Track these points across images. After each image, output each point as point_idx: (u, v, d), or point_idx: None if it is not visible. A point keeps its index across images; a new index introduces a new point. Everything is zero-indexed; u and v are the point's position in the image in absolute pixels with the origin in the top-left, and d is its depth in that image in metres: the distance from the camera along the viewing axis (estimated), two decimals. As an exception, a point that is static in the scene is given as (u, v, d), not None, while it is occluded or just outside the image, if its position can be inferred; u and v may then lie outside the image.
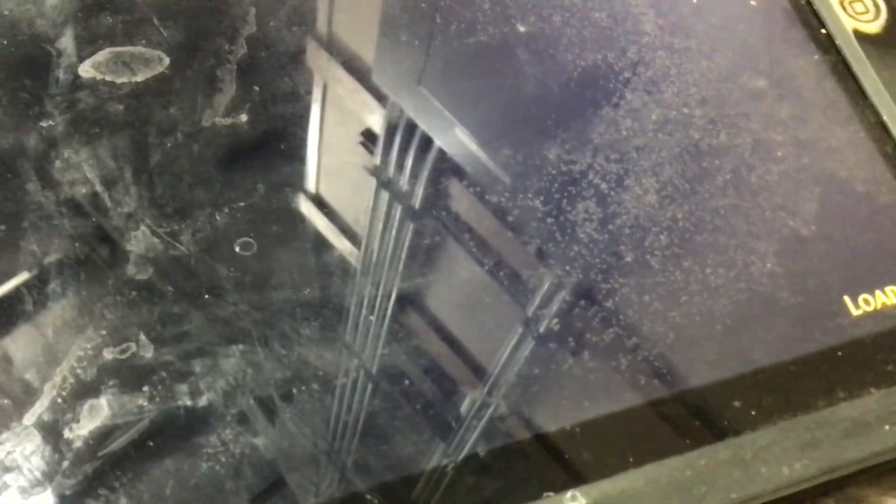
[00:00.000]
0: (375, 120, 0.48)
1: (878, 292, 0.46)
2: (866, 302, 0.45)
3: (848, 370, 0.44)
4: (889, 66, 0.51)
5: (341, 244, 0.44)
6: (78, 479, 0.38)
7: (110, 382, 0.40)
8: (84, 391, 0.39)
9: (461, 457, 0.40)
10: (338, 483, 0.40)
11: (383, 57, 0.50)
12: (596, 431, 0.41)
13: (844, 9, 0.52)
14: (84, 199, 0.43)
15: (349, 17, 0.51)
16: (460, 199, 0.46)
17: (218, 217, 0.43)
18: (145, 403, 0.39)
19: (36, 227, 0.42)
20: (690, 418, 0.42)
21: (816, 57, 0.51)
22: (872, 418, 0.43)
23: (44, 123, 0.44)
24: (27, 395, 0.39)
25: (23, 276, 0.41)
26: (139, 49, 0.47)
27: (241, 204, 0.44)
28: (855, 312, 0.45)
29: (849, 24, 0.52)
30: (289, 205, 0.45)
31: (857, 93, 0.51)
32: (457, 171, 0.46)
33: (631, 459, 0.41)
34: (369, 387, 0.41)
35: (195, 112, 0.46)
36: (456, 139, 0.47)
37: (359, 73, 0.49)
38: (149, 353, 0.40)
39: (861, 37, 0.52)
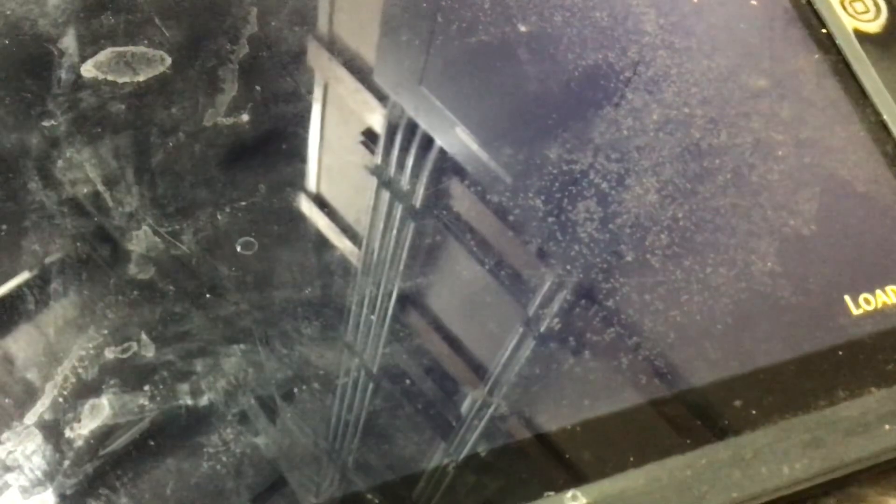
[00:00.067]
0: (376, 119, 0.48)
1: (878, 292, 0.46)
2: (867, 301, 0.45)
3: (848, 369, 0.44)
4: (889, 65, 0.51)
5: (342, 244, 0.45)
6: (79, 479, 0.38)
7: (111, 382, 0.40)
8: (85, 390, 0.39)
9: (462, 456, 0.40)
10: (339, 482, 0.40)
11: (384, 57, 0.50)
12: (596, 431, 0.41)
13: (845, 8, 0.52)
14: (86, 199, 0.43)
15: (350, 17, 0.51)
16: (461, 199, 0.46)
17: (219, 216, 0.43)
18: (146, 403, 0.40)
19: (38, 226, 0.42)
20: (691, 418, 0.42)
21: (817, 56, 0.51)
22: (873, 418, 0.43)
23: (46, 123, 0.44)
24: (28, 395, 0.39)
25: (24, 276, 0.41)
26: (141, 49, 0.47)
27: (243, 203, 0.44)
28: (855, 312, 0.45)
29: (849, 24, 0.52)
30: (290, 204, 0.45)
31: (857, 92, 0.51)
32: (458, 170, 0.46)
33: (631, 459, 0.41)
34: (370, 386, 0.42)
35: (197, 112, 0.46)
36: (457, 139, 0.47)
37: (360, 72, 0.49)
38: (150, 352, 0.40)
39: (861, 36, 0.52)
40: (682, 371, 0.43)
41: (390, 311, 0.43)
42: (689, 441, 0.41)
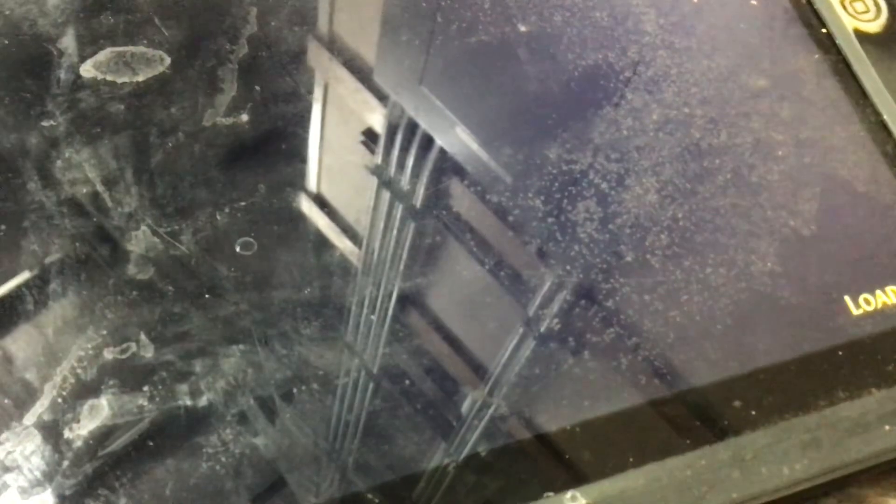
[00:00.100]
0: (377, 119, 0.48)
1: (878, 292, 0.45)
2: (867, 301, 0.45)
3: (848, 370, 0.44)
4: (890, 65, 0.51)
5: (342, 244, 0.44)
6: (78, 479, 0.38)
7: (110, 382, 0.40)
8: (84, 391, 0.39)
9: (462, 457, 0.40)
10: (338, 483, 0.40)
11: (384, 56, 0.50)
12: (596, 431, 0.41)
13: (845, 8, 0.52)
14: (85, 199, 0.43)
15: (350, 17, 0.51)
16: (461, 199, 0.46)
17: (219, 217, 0.43)
18: (145, 403, 0.40)
19: (37, 226, 0.42)
20: (691, 418, 0.42)
21: (817, 56, 0.51)
22: (873, 418, 0.43)
23: (45, 123, 0.44)
24: (27, 395, 0.39)
25: (24, 276, 0.41)
26: (140, 49, 0.47)
27: (242, 204, 0.44)
28: (855, 312, 0.45)
29: (849, 24, 0.52)
30: (290, 204, 0.45)
31: (857, 92, 0.51)
32: (458, 170, 0.46)
33: (631, 459, 0.41)
34: (370, 386, 0.41)
35: (196, 112, 0.46)
36: (457, 139, 0.47)
37: (360, 72, 0.49)
38: (149, 352, 0.40)
39: (862, 36, 0.52)
40: (682, 371, 0.43)
41: (390, 312, 0.43)
42: (688, 441, 0.41)
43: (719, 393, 0.43)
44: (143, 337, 0.41)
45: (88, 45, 0.46)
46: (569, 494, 0.40)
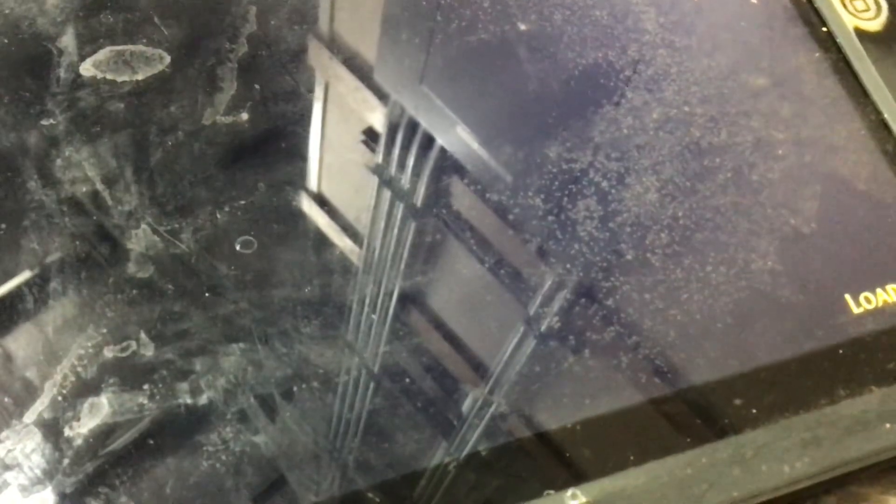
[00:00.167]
0: (377, 118, 0.48)
1: (879, 290, 0.45)
2: (867, 300, 0.45)
3: (849, 368, 0.44)
4: (890, 63, 0.51)
5: (343, 242, 0.44)
6: (78, 478, 0.38)
7: (111, 380, 0.40)
8: (85, 389, 0.39)
9: (462, 455, 0.40)
10: (339, 481, 0.40)
11: (385, 55, 0.50)
12: (597, 429, 0.41)
13: (845, 6, 0.52)
14: (85, 198, 0.43)
15: (351, 16, 0.51)
16: (462, 198, 0.46)
17: (219, 215, 0.43)
18: (146, 401, 0.40)
19: (37, 225, 0.42)
20: (691, 416, 0.42)
21: (817, 55, 0.51)
22: (873, 416, 0.43)
23: (45, 122, 0.44)
24: (28, 393, 0.39)
25: (24, 275, 0.41)
26: (140, 47, 0.47)
27: (242, 202, 0.44)
28: (856, 310, 0.45)
29: (850, 22, 0.52)
30: (290, 203, 0.45)
31: (857, 91, 0.51)
32: (458, 169, 0.46)
33: (632, 457, 0.41)
34: (371, 385, 0.41)
35: (196, 110, 0.46)
36: (457, 137, 0.47)
37: (360, 71, 0.49)
38: (149, 351, 0.40)
39: (862, 35, 0.52)
40: (683, 370, 0.43)
41: (391, 310, 0.43)
42: (689, 439, 0.41)
43: (720, 391, 0.42)
44: (143, 335, 0.41)
45: (88, 44, 0.46)
46: (569, 492, 0.40)
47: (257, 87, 0.47)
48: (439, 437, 0.41)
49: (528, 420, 0.41)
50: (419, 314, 0.44)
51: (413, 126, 0.47)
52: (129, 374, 0.40)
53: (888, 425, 0.42)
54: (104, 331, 0.40)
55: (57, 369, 0.39)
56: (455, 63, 0.49)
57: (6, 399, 0.39)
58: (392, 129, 0.47)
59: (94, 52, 0.46)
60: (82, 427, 0.39)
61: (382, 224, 0.45)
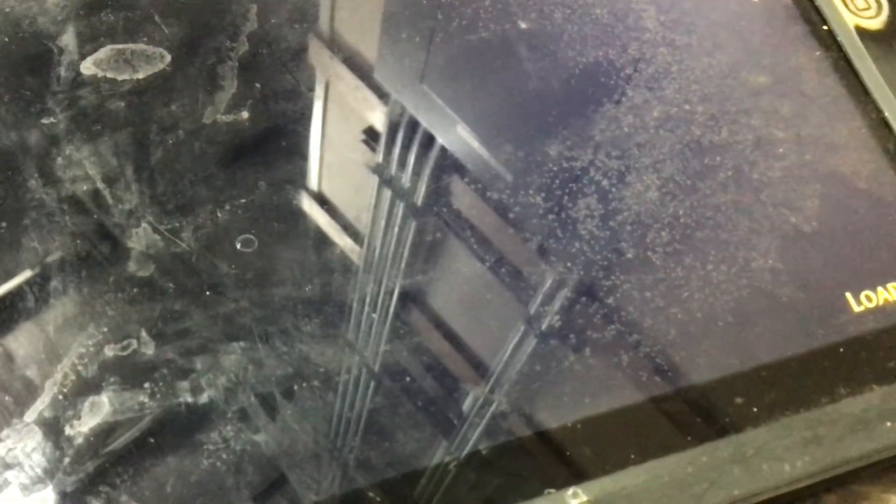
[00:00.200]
0: (377, 117, 0.48)
1: (879, 289, 0.45)
2: (868, 298, 0.45)
3: (850, 367, 0.44)
4: (891, 62, 0.51)
5: (343, 241, 0.44)
6: (79, 476, 0.38)
7: (111, 379, 0.40)
8: (85, 388, 0.39)
9: (463, 454, 0.40)
10: (339, 480, 0.40)
11: (385, 54, 0.50)
12: (597, 428, 0.41)
13: (846, 5, 0.52)
14: (85, 197, 0.43)
15: (351, 15, 0.51)
16: (462, 197, 0.46)
17: (219, 214, 0.43)
18: (146, 400, 0.40)
19: (38, 224, 0.42)
20: (692, 415, 0.42)
21: (818, 53, 0.51)
22: (874, 415, 0.42)
23: (45, 121, 0.44)
24: (28, 392, 0.39)
25: (25, 274, 0.41)
26: (141, 46, 0.47)
27: (243, 201, 0.44)
28: (857, 309, 0.45)
29: (851, 21, 0.52)
30: (290, 202, 0.45)
31: (858, 89, 0.50)
32: (459, 168, 0.46)
33: (632, 456, 0.41)
34: (371, 384, 0.41)
35: (196, 109, 0.46)
36: (458, 136, 0.47)
37: (361, 70, 0.49)
38: (150, 349, 0.40)
39: (863, 33, 0.52)
40: (683, 368, 0.43)
41: (391, 309, 0.43)
42: (690, 438, 0.41)
43: (720, 390, 0.42)
44: (143, 334, 0.41)
45: (88, 43, 0.46)
46: (570, 491, 0.40)
47: (258, 85, 0.47)
48: (440, 436, 0.41)
49: (529, 419, 0.41)
50: (420, 313, 0.44)
51: (413, 125, 0.47)
52: (130, 373, 0.40)
53: (889, 424, 0.42)
54: (105, 329, 0.40)
55: (57, 368, 0.40)
56: (455, 62, 0.49)
57: (7, 398, 0.39)
58: (392, 128, 0.47)
59: (95, 50, 0.46)
60: (83, 426, 0.39)
61: (383, 223, 0.45)
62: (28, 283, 0.41)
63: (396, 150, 0.47)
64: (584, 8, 0.51)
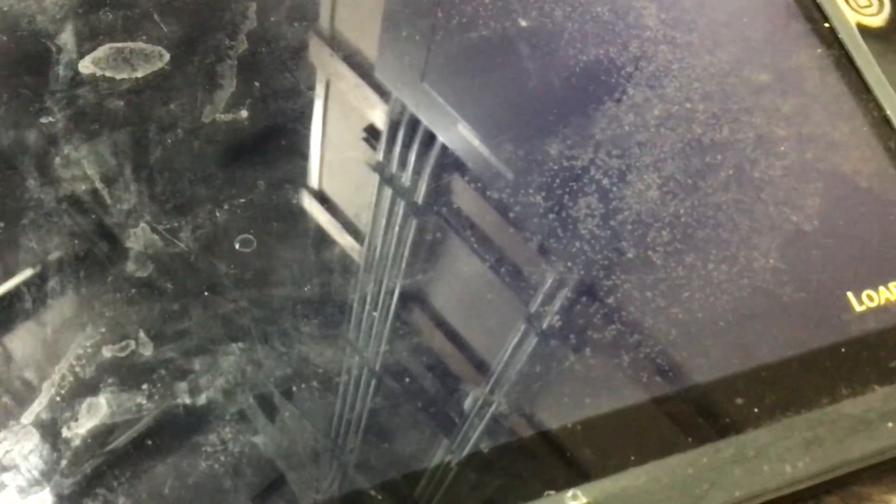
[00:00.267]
0: (378, 116, 0.48)
1: (881, 288, 0.45)
2: (870, 298, 0.45)
3: (851, 367, 0.44)
4: (892, 60, 0.51)
5: (343, 240, 0.44)
6: (76, 478, 0.38)
7: (109, 380, 0.40)
8: (83, 389, 0.39)
9: (463, 454, 0.40)
10: (340, 481, 0.39)
11: (386, 53, 0.50)
12: (598, 429, 0.41)
13: (848, 3, 0.52)
14: (84, 196, 0.43)
15: (351, 13, 0.51)
16: (463, 195, 0.46)
17: (218, 214, 0.43)
18: (144, 401, 0.39)
19: (36, 223, 0.42)
20: (692, 416, 0.42)
21: (820, 51, 0.51)
22: (876, 416, 0.42)
23: (43, 120, 0.44)
24: (26, 394, 0.39)
25: (22, 274, 0.41)
26: (139, 45, 0.47)
27: (242, 200, 0.44)
28: (858, 309, 0.45)
29: (852, 18, 0.52)
30: (290, 201, 0.45)
31: (860, 87, 0.50)
32: (459, 166, 0.46)
33: (633, 457, 0.41)
34: (371, 384, 0.41)
35: (195, 108, 0.46)
36: (458, 135, 0.47)
37: (361, 68, 0.49)
38: (148, 350, 0.40)
39: (864, 31, 0.51)
40: (684, 368, 0.43)
41: (392, 309, 0.43)
42: (690, 439, 0.41)
43: (721, 390, 0.42)
44: (142, 335, 0.40)
45: (87, 42, 0.46)
46: (570, 493, 0.39)
47: (257, 84, 0.47)
48: (440, 436, 0.41)
49: (529, 419, 0.41)
50: (420, 312, 0.43)
51: (414, 123, 0.47)
52: (128, 374, 0.40)
53: (890, 424, 0.42)
54: (103, 330, 0.40)
55: (55, 369, 0.39)
56: (456, 60, 0.49)
57: (4, 399, 0.39)
58: (393, 127, 0.47)
59: (94, 49, 0.46)
60: (80, 427, 0.39)
61: (383, 222, 0.45)
62: (25, 283, 0.41)
63: (397, 149, 0.47)
64: (585, 6, 0.51)
